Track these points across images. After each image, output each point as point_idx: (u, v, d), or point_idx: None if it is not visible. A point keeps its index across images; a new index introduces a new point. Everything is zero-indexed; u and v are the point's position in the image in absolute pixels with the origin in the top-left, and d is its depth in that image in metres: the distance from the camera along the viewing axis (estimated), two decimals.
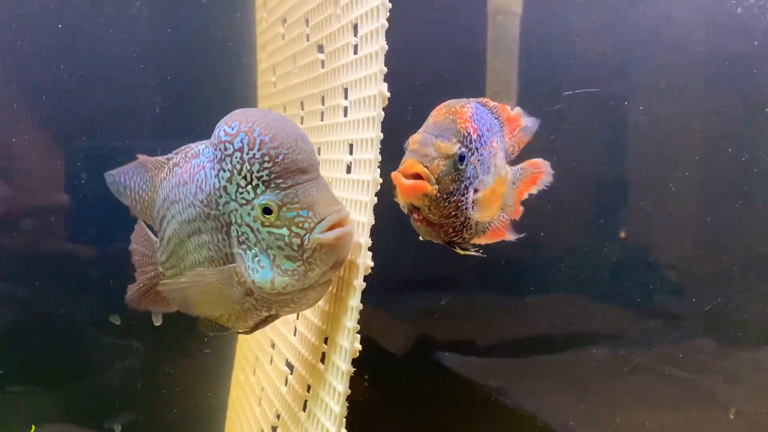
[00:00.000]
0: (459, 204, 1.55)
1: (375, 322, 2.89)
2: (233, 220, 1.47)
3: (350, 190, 1.64)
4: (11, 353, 2.55)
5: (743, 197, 3.03)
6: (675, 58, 3.00)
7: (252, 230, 1.45)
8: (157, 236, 1.77)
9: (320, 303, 1.72)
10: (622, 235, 3.07)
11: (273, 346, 2.12)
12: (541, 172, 1.81)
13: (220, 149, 1.45)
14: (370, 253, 1.50)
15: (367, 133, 1.54)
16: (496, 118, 1.70)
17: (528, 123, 1.76)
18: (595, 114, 2.98)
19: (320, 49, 1.91)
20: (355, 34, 1.64)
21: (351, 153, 1.67)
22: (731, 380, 3.35)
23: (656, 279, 3.16)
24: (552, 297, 3.05)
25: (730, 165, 3.09)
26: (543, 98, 2.92)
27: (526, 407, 3.07)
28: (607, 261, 3.06)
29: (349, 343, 1.49)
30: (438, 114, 1.59)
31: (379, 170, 1.51)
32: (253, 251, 1.46)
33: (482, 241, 1.72)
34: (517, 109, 1.75)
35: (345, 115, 1.72)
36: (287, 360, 1.92)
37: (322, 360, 1.65)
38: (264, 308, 1.56)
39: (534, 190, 1.81)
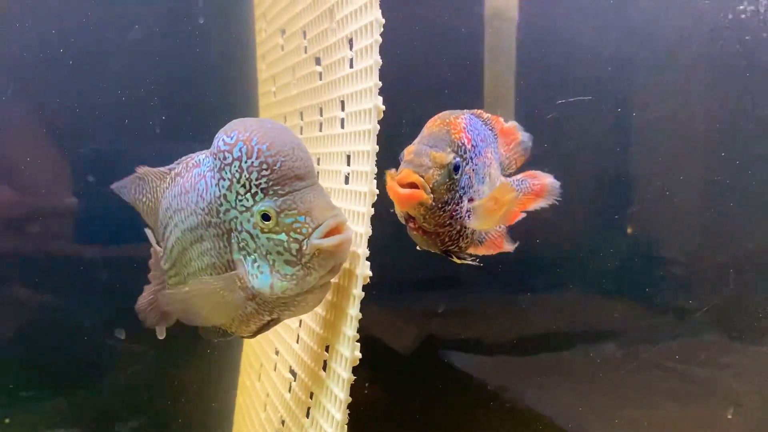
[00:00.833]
0: (454, 213, 1.58)
1: (381, 323, 2.92)
2: (234, 227, 1.52)
3: (348, 200, 1.67)
4: (16, 357, 2.60)
5: (748, 192, 3.03)
6: (674, 57, 3.02)
7: (252, 236, 1.49)
8: (160, 246, 1.81)
9: (321, 311, 1.76)
10: (628, 231, 3.08)
11: (277, 353, 2.15)
12: (542, 185, 1.83)
13: (219, 158, 1.50)
14: (368, 263, 1.53)
15: (363, 145, 1.58)
16: (490, 130, 1.73)
17: (524, 138, 1.80)
18: (598, 112, 2.99)
19: (318, 61, 1.95)
20: (351, 48, 1.67)
21: (348, 164, 1.70)
22: (738, 375, 3.35)
23: (662, 275, 3.17)
24: (557, 294, 3.06)
25: (734, 160, 3.09)
26: (542, 102, 2.94)
27: (532, 405, 3.09)
28: (612, 257, 3.07)
29: (349, 351, 1.52)
30: (432, 125, 1.63)
31: (375, 182, 1.54)
32: (253, 257, 1.51)
33: (480, 252, 1.75)
34: (513, 123, 1.78)
35: (342, 126, 1.75)
36: (290, 367, 1.96)
37: (324, 367, 1.69)
38: (265, 312, 1.60)
39: (539, 206, 1.84)
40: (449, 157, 1.56)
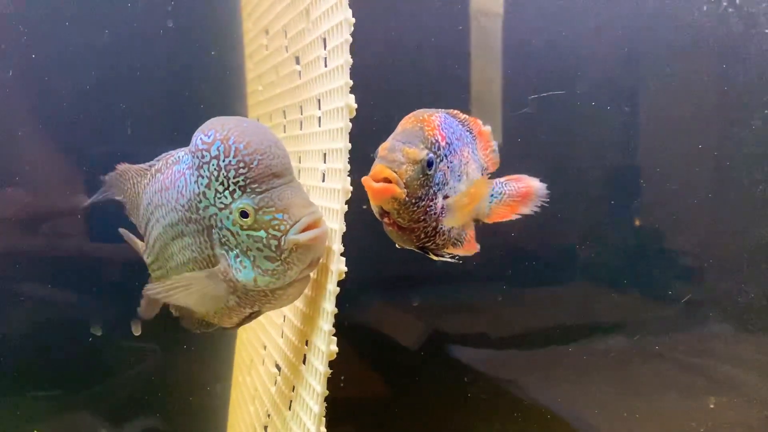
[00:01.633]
0: (428, 209, 1.61)
1: (387, 317, 2.95)
2: (214, 224, 1.56)
3: (325, 198, 1.70)
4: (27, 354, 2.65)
5: (756, 183, 3.02)
6: (678, 47, 3.02)
7: (232, 233, 1.54)
8: (143, 240, 1.87)
9: (301, 306, 1.80)
10: (636, 223, 3.09)
11: (265, 348, 2.19)
12: (528, 187, 1.85)
13: (197, 157, 1.54)
14: (343, 259, 1.57)
15: (337, 143, 1.60)
16: (468, 131, 1.75)
17: (495, 146, 1.83)
18: (604, 103, 2.99)
19: (297, 60, 1.98)
20: (325, 48, 1.70)
21: (325, 162, 1.73)
22: (746, 367, 3.35)
23: (671, 266, 3.16)
24: (565, 287, 3.07)
25: (743, 151, 3.09)
26: (528, 96, 2.96)
27: (537, 398, 3.10)
28: (621, 249, 3.09)
29: (325, 345, 1.55)
30: (406, 122, 1.65)
31: (348, 179, 1.57)
32: (235, 252, 1.55)
33: (460, 252, 1.77)
34: (488, 127, 1.81)
35: (320, 125, 1.78)
36: (276, 362, 1.99)
37: (304, 361, 1.72)
38: (247, 306, 1.66)
39: (526, 211, 1.86)
40: (422, 153, 1.58)
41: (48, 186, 2.60)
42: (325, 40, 1.69)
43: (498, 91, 2.95)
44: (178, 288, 1.62)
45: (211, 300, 1.64)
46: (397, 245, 1.72)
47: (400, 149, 1.59)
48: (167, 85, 2.75)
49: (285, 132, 2.17)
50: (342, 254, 1.57)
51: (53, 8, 2.55)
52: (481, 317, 3.06)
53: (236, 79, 2.78)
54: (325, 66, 1.70)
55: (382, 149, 1.61)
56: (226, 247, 1.56)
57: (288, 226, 1.49)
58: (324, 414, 1.56)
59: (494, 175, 1.85)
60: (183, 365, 2.86)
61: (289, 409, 1.78)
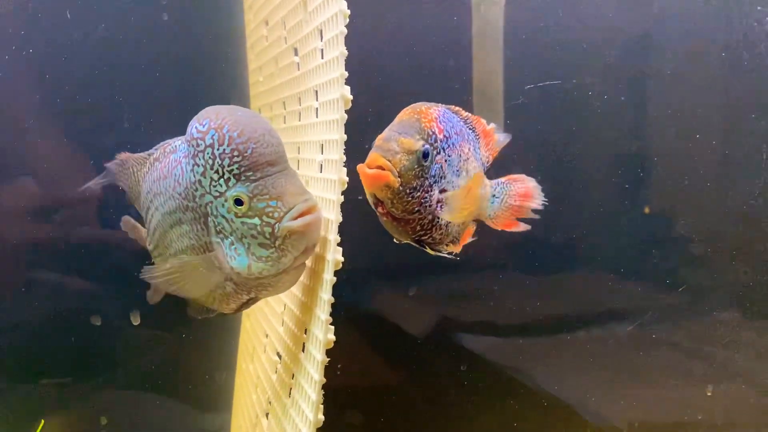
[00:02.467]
0: (423, 200, 1.62)
1: (396, 306, 2.95)
2: (209, 212, 1.60)
3: (322, 188, 1.72)
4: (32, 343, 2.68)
5: (763, 170, 3.01)
6: (685, 33, 3.01)
7: (227, 220, 1.57)
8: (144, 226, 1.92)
9: (300, 296, 1.82)
10: (646, 210, 3.08)
11: (267, 336, 2.22)
12: (526, 188, 1.86)
13: (192, 145, 1.57)
14: (339, 249, 1.59)
15: (333, 134, 1.62)
16: (470, 129, 1.77)
17: (500, 138, 1.84)
18: (609, 90, 2.99)
19: (296, 52, 1.99)
20: (321, 39, 1.71)
21: (322, 153, 1.75)
22: (755, 355, 3.35)
23: (680, 254, 3.16)
24: (568, 274, 3.07)
25: (754, 137, 3.07)
26: (530, 84, 2.96)
27: (541, 385, 3.12)
28: (630, 237, 3.08)
29: (322, 334, 1.58)
30: (404, 114, 1.67)
31: (345, 169, 1.59)
32: (230, 239, 1.58)
33: (457, 249, 1.79)
34: (492, 125, 1.83)
35: (317, 116, 1.80)
36: (277, 350, 2.02)
37: (304, 350, 1.75)
38: (244, 292, 1.70)
39: (526, 214, 1.87)
40: (418, 144, 1.60)
41: (56, 176, 2.62)
42: (321, 31, 1.70)
43: (499, 80, 2.95)
44: (173, 273, 1.66)
45: (206, 285, 1.69)
46: (394, 240, 1.74)
47: (396, 139, 1.61)
48: (170, 76, 2.76)
49: (285, 123, 2.19)
50: (338, 244, 1.59)
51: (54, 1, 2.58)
52: (482, 304, 3.06)
53: (238, 70, 2.80)
54: (322, 57, 1.71)
55: (379, 139, 1.63)
56: (221, 235, 1.60)
57: (282, 213, 1.52)
58: (322, 401, 1.59)
59: (496, 175, 1.87)
60: (188, 352, 2.90)
61: (289, 396, 1.81)
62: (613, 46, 3.02)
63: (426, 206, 1.63)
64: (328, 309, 1.58)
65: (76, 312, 2.69)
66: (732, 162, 3.13)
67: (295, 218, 1.52)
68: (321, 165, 1.75)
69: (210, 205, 1.59)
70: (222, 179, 1.54)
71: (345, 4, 1.55)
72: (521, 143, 2.86)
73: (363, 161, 1.58)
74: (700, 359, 3.31)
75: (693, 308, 3.23)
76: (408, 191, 1.60)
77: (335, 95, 1.59)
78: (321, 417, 1.60)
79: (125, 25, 2.65)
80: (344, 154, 1.60)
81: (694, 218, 3.17)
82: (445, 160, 1.66)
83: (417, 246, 1.72)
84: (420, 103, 1.69)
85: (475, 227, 1.86)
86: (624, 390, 3.24)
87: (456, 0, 2.90)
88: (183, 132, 1.80)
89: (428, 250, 1.73)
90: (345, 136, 1.57)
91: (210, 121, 1.55)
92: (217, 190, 1.56)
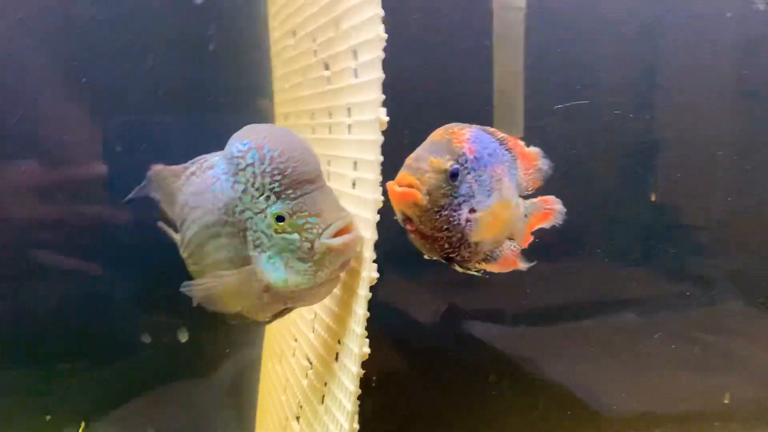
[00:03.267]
0: (451, 218, 1.68)
1: (404, 293, 3.00)
2: (249, 227, 1.67)
3: (356, 205, 1.77)
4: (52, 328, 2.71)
5: None
6: (696, 15, 3.06)
7: (266, 236, 1.64)
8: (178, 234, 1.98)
9: (334, 307, 1.89)
10: (652, 198, 3.12)
11: (295, 340, 2.29)
12: (552, 210, 1.93)
13: (233, 164, 1.65)
14: (375, 266, 1.65)
15: (369, 155, 1.67)
16: (507, 150, 1.82)
17: (544, 166, 1.89)
18: (622, 75, 3.04)
19: (326, 66, 2.04)
20: (356, 59, 1.75)
21: (355, 169, 1.80)
22: (761, 345, 3.39)
23: (685, 242, 3.22)
24: (578, 263, 3.11)
25: (761, 125, 3.13)
26: (552, 90, 3.00)
27: (551, 375, 3.17)
28: (636, 225, 3.12)
29: (358, 347, 1.64)
30: (435, 134, 1.74)
31: (380, 189, 1.64)
32: (268, 253, 1.65)
33: (494, 269, 1.85)
34: (536, 149, 1.88)
35: (349, 132, 1.85)
36: (307, 356, 2.09)
37: (337, 358, 1.82)
38: (279, 302, 1.77)
39: (545, 225, 1.94)
40: (447, 164, 1.66)
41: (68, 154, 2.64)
42: (355, 52, 1.75)
43: (520, 85, 2.98)
44: (213, 287, 1.72)
45: (244, 299, 1.76)
46: (426, 256, 1.79)
47: (426, 158, 1.67)
48: (190, 73, 2.80)
49: (313, 133, 2.24)
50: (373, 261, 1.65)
51: None
52: (493, 293, 3.10)
53: (261, 75, 2.84)
54: (356, 77, 1.76)
55: (409, 158, 1.70)
56: (259, 249, 1.66)
57: (321, 230, 1.59)
58: (357, 411, 1.66)
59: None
60: (212, 347, 2.96)
61: (322, 403, 1.88)
62: (623, 31, 3.05)
63: (454, 225, 1.69)
64: (363, 323, 1.64)
65: (89, 298, 2.72)
66: (741, 150, 3.17)
67: (334, 235, 1.59)
68: (354, 182, 1.80)
69: (250, 220, 1.65)
70: (263, 197, 1.61)
71: (382, 28, 1.59)
72: (528, 130, 2.94)
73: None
74: (711, 350, 3.35)
75: (699, 298, 3.29)
76: (436, 210, 1.66)
77: (370, 117, 1.64)
78: (356, 426, 1.67)
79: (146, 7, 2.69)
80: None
81: (702, 206, 3.23)
82: (476, 180, 1.72)
83: (445, 263, 1.78)
84: (452, 124, 1.74)
85: (519, 250, 1.92)
86: (635, 380, 3.29)
87: (477, 7, 2.94)
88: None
89: (456, 268, 1.79)
90: (381, 158, 1.62)
91: (250, 140, 1.62)
92: (257, 207, 1.63)
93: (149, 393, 2.88)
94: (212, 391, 2.98)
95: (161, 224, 2.13)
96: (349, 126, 1.84)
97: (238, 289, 1.72)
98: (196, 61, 2.81)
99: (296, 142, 1.64)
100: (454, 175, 1.67)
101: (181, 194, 1.89)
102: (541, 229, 1.97)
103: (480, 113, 2.96)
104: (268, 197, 1.61)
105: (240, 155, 1.63)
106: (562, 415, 3.20)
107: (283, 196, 1.60)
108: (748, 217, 3.25)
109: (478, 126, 1.79)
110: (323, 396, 1.88)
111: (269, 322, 1.90)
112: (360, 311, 1.65)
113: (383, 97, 1.60)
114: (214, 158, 1.79)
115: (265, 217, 1.62)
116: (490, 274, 1.88)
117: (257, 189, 1.61)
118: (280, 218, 1.60)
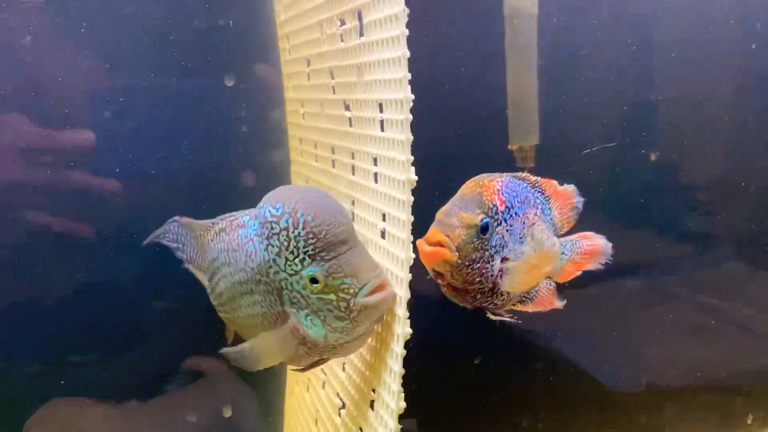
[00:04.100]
0: (484, 271, 1.70)
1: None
2: (284, 287, 1.69)
3: (386, 259, 1.78)
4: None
5: None
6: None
7: (302, 296, 1.67)
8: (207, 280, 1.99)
9: (366, 354, 1.91)
10: (652, 157, 3.12)
11: (324, 372, 2.32)
12: (595, 246, 1.93)
13: (266, 228, 1.66)
14: (408, 322, 1.66)
15: (398, 211, 1.66)
16: (539, 192, 1.84)
17: (578, 204, 1.91)
18: (624, 36, 3.02)
19: (347, 107, 2.01)
20: (381, 112, 1.73)
21: (384, 221, 1.80)
22: (762, 307, 3.42)
23: (685, 202, 3.23)
24: (579, 224, 3.16)
25: (760, 82, 3.14)
26: (565, 99, 2.97)
27: (552, 341, 3.21)
28: (637, 185, 3.12)
29: (395, 403, 1.67)
30: (466, 188, 1.75)
31: (411, 246, 1.64)
32: (305, 311, 1.68)
33: (529, 309, 1.87)
34: (571, 187, 1.90)
35: (375, 181, 1.84)
36: (338, 393, 2.12)
37: (372, 407, 1.84)
38: (315, 354, 1.79)
39: (590, 267, 1.94)
40: (477, 218, 1.67)
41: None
42: (381, 105, 1.72)
43: (534, 91, 2.95)
44: (254, 350, 1.74)
45: (282, 357, 1.81)
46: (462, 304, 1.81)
47: (456, 214, 1.68)
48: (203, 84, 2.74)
49: (334, 167, 2.23)
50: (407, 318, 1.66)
51: None
52: None
53: (273, 90, 2.79)
54: (382, 130, 1.74)
55: (440, 213, 1.71)
56: (296, 307, 1.69)
57: (356, 289, 1.61)
58: None
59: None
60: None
61: None
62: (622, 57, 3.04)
63: (487, 276, 1.71)
64: (399, 380, 1.66)
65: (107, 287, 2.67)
66: (743, 108, 3.18)
67: (369, 294, 1.61)
68: (383, 232, 1.80)
69: (285, 281, 1.67)
70: (297, 259, 1.63)
71: (409, 89, 1.57)
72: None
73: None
74: (709, 314, 3.38)
75: (701, 259, 3.32)
76: (467, 264, 1.68)
77: (399, 176, 1.63)
78: None
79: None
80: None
81: (703, 165, 3.22)
82: (507, 230, 1.73)
83: (478, 312, 1.79)
84: (483, 176, 1.75)
85: (554, 288, 1.93)
86: (634, 348, 3.33)
87: (488, 16, 2.89)
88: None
89: (490, 316, 1.81)
90: (412, 217, 1.62)
91: (283, 204, 1.63)
92: (292, 269, 1.64)
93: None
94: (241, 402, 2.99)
95: (190, 267, 2.14)
96: (375, 174, 1.83)
97: (279, 347, 1.76)
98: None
99: (328, 205, 1.66)
100: (484, 229, 1.68)
101: (211, 249, 1.91)
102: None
103: (495, 123, 2.95)
104: (302, 260, 1.62)
105: (273, 219, 1.64)
106: (567, 388, 3.25)
107: (318, 258, 1.61)
108: (749, 176, 3.24)
109: (510, 174, 1.80)
110: None
111: (304, 370, 1.92)
112: (396, 368, 1.67)
113: (412, 158, 1.59)
114: (245, 217, 1.80)
115: (301, 278, 1.64)
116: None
117: (291, 252, 1.62)
118: (314, 280, 1.62)
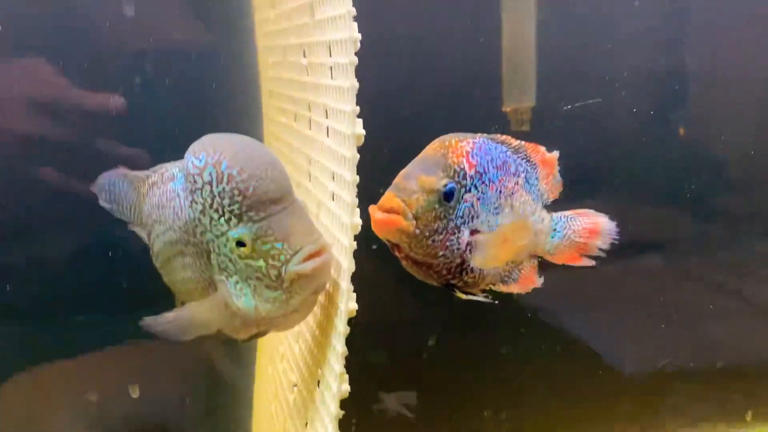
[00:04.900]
0: (448, 243, 1.48)
1: None
2: (212, 249, 1.50)
3: (334, 223, 1.59)
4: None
5: None
6: None
7: (230, 261, 1.47)
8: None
9: (315, 329, 1.73)
10: (681, 132, 2.94)
11: (282, 344, 2.16)
12: (595, 224, 1.71)
13: (190, 181, 1.46)
14: (354, 296, 1.47)
15: (345, 172, 1.46)
16: (524, 158, 1.61)
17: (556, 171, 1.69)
18: (651, 7, 2.84)
19: (304, 53, 1.80)
20: (330, 56, 1.52)
21: (333, 180, 1.60)
22: None
23: (713, 179, 3.04)
24: (597, 201, 2.95)
25: None
26: (564, 77, 2.75)
27: (568, 325, 3.07)
28: (663, 160, 2.93)
29: (336, 386, 1.49)
30: (429, 148, 1.52)
31: (358, 211, 1.44)
32: (234, 278, 1.49)
33: (513, 290, 1.65)
34: (555, 153, 1.67)
35: (327, 136, 1.63)
36: (293, 370, 1.96)
37: (319, 385, 1.67)
38: (252, 326, 1.63)
39: (593, 252, 1.73)
40: (440, 183, 1.45)
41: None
42: (330, 48, 1.51)
43: (532, 74, 2.73)
44: (180, 321, 1.57)
45: (215, 326, 1.62)
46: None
47: (416, 177, 1.46)
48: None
49: (296, 121, 2.03)
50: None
51: None
52: None
53: (244, 41, 2.59)
54: (331, 78, 1.53)
55: (398, 176, 1.50)
56: (225, 273, 1.50)
57: (288, 256, 1.41)
58: None
59: (561, 207, 1.71)
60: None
61: (306, 426, 1.76)
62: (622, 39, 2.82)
63: (453, 249, 1.50)
64: (342, 361, 1.48)
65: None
66: None
67: (304, 260, 1.40)
68: (333, 194, 1.60)
69: (212, 243, 1.48)
70: (222, 218, 1.43)
71: (355, 27, 1.35)
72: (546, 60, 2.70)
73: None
74: (732, 295, 3.23)
75: (726, 239, 3.14)
76: (428, 234, 1.46)
77: (346, 130, 1.42)
78: None
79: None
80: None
81: (733, 141, 3.01)
82: (478, 198, 1.51)
83: (447, 289, 1.59)
84: (451, 135, 1.52)
85: (536, 265, 1.71)
86: (652, 330, 3.17)
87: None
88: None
89: (459, 295, 1.60)
90: (357, 178, 1.41)
91: (207, 155, 1.43)
92: (218, 230, 1.45)
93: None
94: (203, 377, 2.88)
95: (135, 228, 1.96)
96: (327, 128, 1.62)
97: (208, 318, 1.58)
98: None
99: (259, 157, 1.44)
100: (448, 195, 1.46)
101: (145, 204, 1.74)
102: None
103: (488, 81, 2.73)
104: (228, 219, 1.42)
105: (196, 172, 1.43)
106: (573, 370, 3.09)
107: (244, 218, 1.41)
108: None
109: (486, 135, 1.56)
110: (306, 423, 1.75)
111: (246, 341, 1.76)
112: (339, 348, 1.49)
113: (358, 108, 1.38)
114: (174, 169, 1.62)
115: (227, 241, 1.45)
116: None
117: (216, 210, 1.43)
118: (241, 243, 1.42)
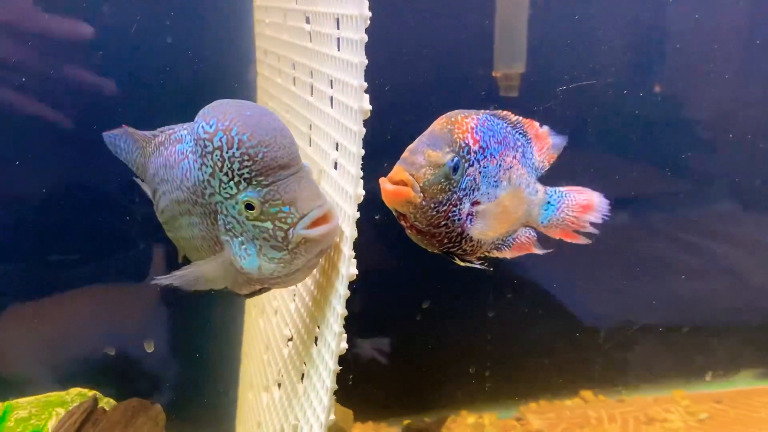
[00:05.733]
0: (450, 214, 1.58)
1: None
2: (219, 210, 1.56)
3: (336, 191, 1.65)
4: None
5: None
6: None
7: (237, 222, 1.54)
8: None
9: (313, 289, 1.81)
10: (656, 89, 3.00)
11: (276, 299, 2.24)
12: (589, 200, 1.81)
13: (200, 145, 1.51)
14: (354, 262, 1.55)
15: (350, 144, 1.52)
16: (521, 133, 1.69)
17: (556, 141, 1.77)
18: None
19: (307, 20, 1.82)
20: (338, 28, 1.55)
21: (337, 149, 1.65)
22: (747, 250, 3.39)
23: (685, 138, 3.13)
24: (567, 157, 3.10)
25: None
26: (557, 48, 2.78)
27: (539, 281, 3.19)
28: (636, 117, 3.01)
29: (335, 344, 1.58)
30: (436, 123, 1.60)
31: (362, 182, 1.51)
32: (240, 239, 1.56)
33: (506, 255, 1.75)
34: (545, 128, 1.75)
35: (331, 106, 1.68)
36: (288, 326, 2.05)
37: (317, 342, 1.77)
38: (255, 284, 1.71)
39: (585, 227, 1.82)
40: (446, 158, 1.54)
41: None
42: (338, 20, 1.54)
43: (523, 45, 2.76)
44: (186, 278, 1.64)
45: (220, 283, 1.70)
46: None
47: (423, 151, 1.55)
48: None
49: (294, 85, 2.06)
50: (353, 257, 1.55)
51: None
52: None
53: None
54: (338, 50, 1.56)
55: (406, 151, 1.58)
56: (231, 234, 1.57)
57: (295, 219, 1.48)
58: (333, 405, 1.63)
59: (554, 182, 1.80)
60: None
61: (301, 381, 1.86)
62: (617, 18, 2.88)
63: (454, 220, 1.59)
64: (341, 321, 1.57)
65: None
66: (755, 49, 3.06)
67: (310, 225, 1.48)
68: (336, 163, 1.66)
69: (220, 204, 1.55)
70: (232, 182, 1.49)
71: (366, 4, 1.39)
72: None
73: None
74: (700, 253, 3.37)
75: (693, 198, 3.26)
76: (433, 206, 1.56)
77: (353, 104, 1.47)
78: (332, 417, 1.64)
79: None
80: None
81: (708, 99, 3.11)
82: (480, 172, 1.60)
83: (446, 257, 1.69)
84: (457, 111, 1.61)
85: (534, 237, 1.81)
86: (618, 285, 3.31)
87: None
88: None
89: (458, 262, 1.70)
90: (362, 151, 1.47)
91: (217, 121, 1.47)
92: (227, 192, 1.51)
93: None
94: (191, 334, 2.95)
95: (138, 181, 2.03)
96: (331, 98, 1.67)
97: (214, 276, 1.66)
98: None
99: (268, 124, 1.49)
100: (454, 170, 1.55)
101: (151, 163, 1.79)
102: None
103: (480, 46, 2.76)
104: (237, 183, 1.48)
105: (207, 137, 1.48)
106: (557, 329, 3.26)
107: (254, 182, 1.47)
108: (754, 113, 3.15)
109: (489, 111, 1.65)
110: (303, 375, 1.85)
111: (248, 296, 1.84)
112: (339, 308, 1.57)
113: (365, 84, 1.43)
114: (182, 131, 1.68)
115: (236, 203, 1.51)
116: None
117: (225, 174, 1.48)
118: (250, 206, 1.49)
